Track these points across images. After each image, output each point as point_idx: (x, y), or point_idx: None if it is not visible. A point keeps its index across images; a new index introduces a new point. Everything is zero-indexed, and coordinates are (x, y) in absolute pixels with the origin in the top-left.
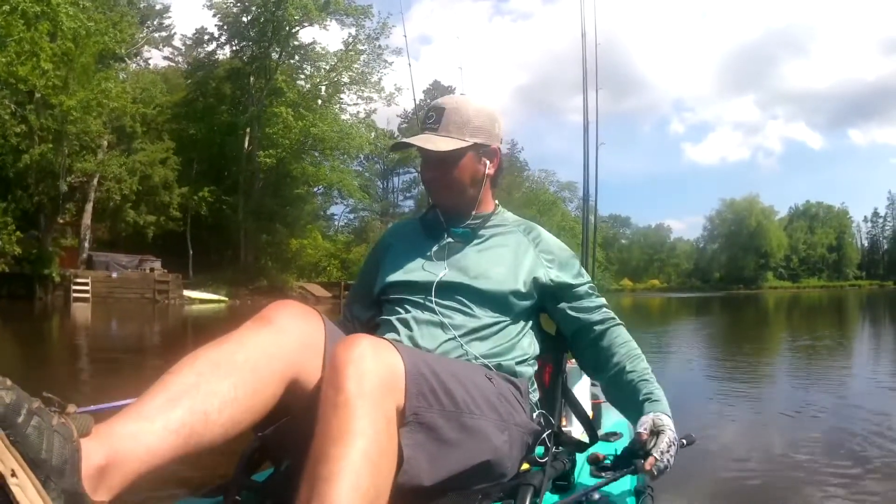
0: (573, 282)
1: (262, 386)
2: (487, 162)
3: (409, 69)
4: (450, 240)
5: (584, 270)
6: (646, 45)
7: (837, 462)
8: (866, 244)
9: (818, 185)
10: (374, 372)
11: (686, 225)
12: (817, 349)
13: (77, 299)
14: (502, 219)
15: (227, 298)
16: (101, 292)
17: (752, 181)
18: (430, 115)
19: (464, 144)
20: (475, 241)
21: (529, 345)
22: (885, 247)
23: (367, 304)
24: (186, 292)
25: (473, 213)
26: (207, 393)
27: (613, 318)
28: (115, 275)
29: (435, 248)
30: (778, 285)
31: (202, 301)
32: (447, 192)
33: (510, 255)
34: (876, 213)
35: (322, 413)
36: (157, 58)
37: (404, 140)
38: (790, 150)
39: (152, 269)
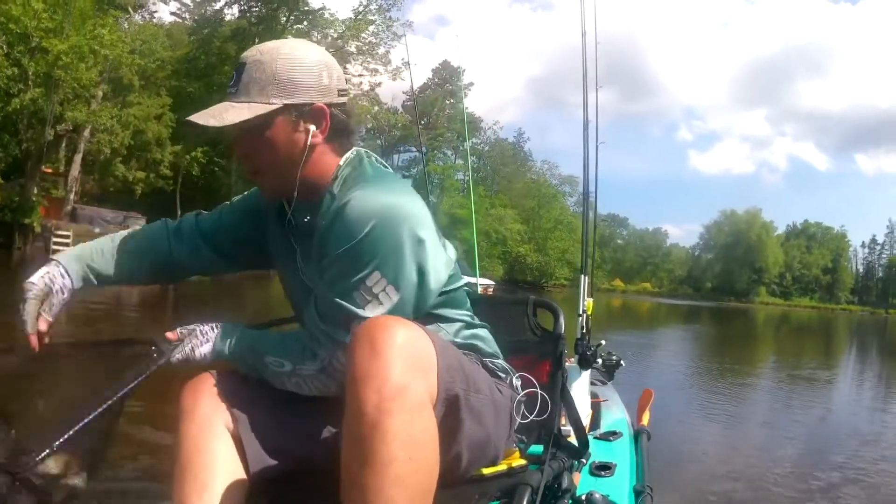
0: None
1: (239, 471)
2: (312, 127)
3: (406, 51)
4: (298, 248)
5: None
6: (664, 50)
7: (822, 469)
8: (861, 270)
9: (819, 205)
10: (402, 381)
11: (683, 232)
12: (805, 377)
13: (56, 252)
14: (341, 186)
15: None
16: None
17: (753, 195)
18: (231, 77)
19: (263, 110)
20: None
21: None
22: (880, 274)
23: (208, 237)
24: None
25: (298, 196)
26: None
27: None
28: (97, 230)
29: (298, 256)
30: (769, 301)
31: None
32: (262, 178)
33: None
34: (874, 241)
35: (350, 431)
36: (164, 12)
37: (189, 117)
38: (795, 168)
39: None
